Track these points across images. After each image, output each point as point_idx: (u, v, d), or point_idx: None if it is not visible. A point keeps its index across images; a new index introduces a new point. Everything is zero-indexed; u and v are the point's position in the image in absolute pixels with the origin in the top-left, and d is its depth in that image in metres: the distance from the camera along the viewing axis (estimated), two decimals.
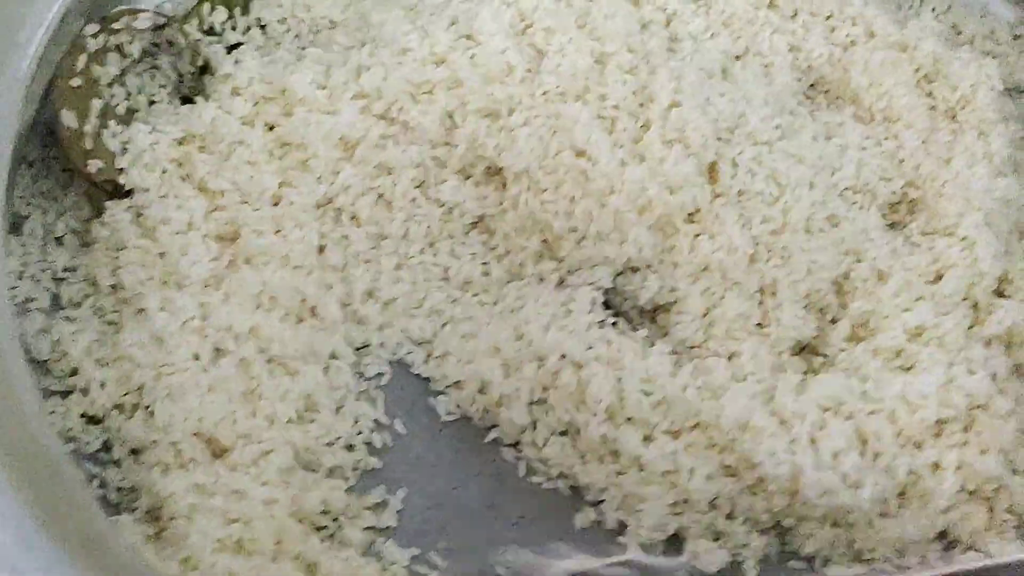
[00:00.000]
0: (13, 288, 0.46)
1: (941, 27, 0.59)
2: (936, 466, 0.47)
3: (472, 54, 0.50)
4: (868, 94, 0.55)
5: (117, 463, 0.44)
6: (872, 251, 0.52)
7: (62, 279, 0.48)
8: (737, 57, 0.55)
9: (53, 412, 0.44)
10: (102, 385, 0.45)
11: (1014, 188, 0.53)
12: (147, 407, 0.44)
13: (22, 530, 0.33)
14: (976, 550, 0.47)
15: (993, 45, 0.59)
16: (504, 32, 0.50)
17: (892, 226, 0.54)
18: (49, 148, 0.49)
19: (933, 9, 0.60)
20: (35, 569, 0.30)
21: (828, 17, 0.57)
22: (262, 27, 0.54)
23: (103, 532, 0.39)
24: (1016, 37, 0.59)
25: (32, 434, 0.40)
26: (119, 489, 0.44)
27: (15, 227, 0.47)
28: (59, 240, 0.48)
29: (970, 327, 0.50)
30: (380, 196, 0.50)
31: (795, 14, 0.57)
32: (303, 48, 0.54)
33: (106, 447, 0.45)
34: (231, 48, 0.52)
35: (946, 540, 0.48)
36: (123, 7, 0.49)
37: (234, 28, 0.52)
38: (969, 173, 0.52)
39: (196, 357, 0.45)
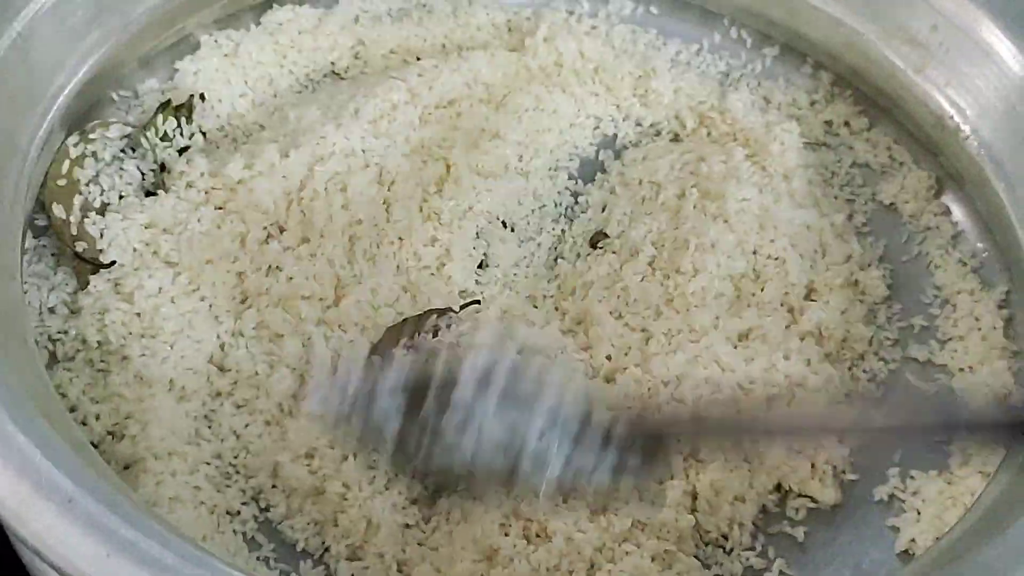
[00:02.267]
0: None
1: (754, 98, 0.74)
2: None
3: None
4: None
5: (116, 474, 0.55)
6: None
7: (57, 339, 0.58)
8: None
9: None
10: (97, 417, 0.56)
11: (813, 216, 0.67)
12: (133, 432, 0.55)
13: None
14: (803, 495, 0.59)
15: (796, 110, 0.73)
16: None
17: None
18: (38, 238, 0.61)
19: (747, 84, 0.75)
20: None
21: None
22: (203, 134, 0.67)
23: None
24: (812, 103, 0.74)
25: None
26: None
27: None
28: (52, 310, 0.59)
29: (787, 327, 0.64)
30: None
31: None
32: (236, 148, 0.67)
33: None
34: (181, 151, 0.65)
35: (780, 491, 0.60)
36: (97, 121, 0.62)
37: (182, 135, 0.65)
38: (776, 208, 0.66)
39: (170, 388, 0.57)
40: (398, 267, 0.62)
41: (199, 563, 0.39)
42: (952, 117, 0.65)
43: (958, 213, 0.68)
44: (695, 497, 0.58)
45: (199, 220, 0.61)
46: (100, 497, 0.40)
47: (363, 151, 0.65)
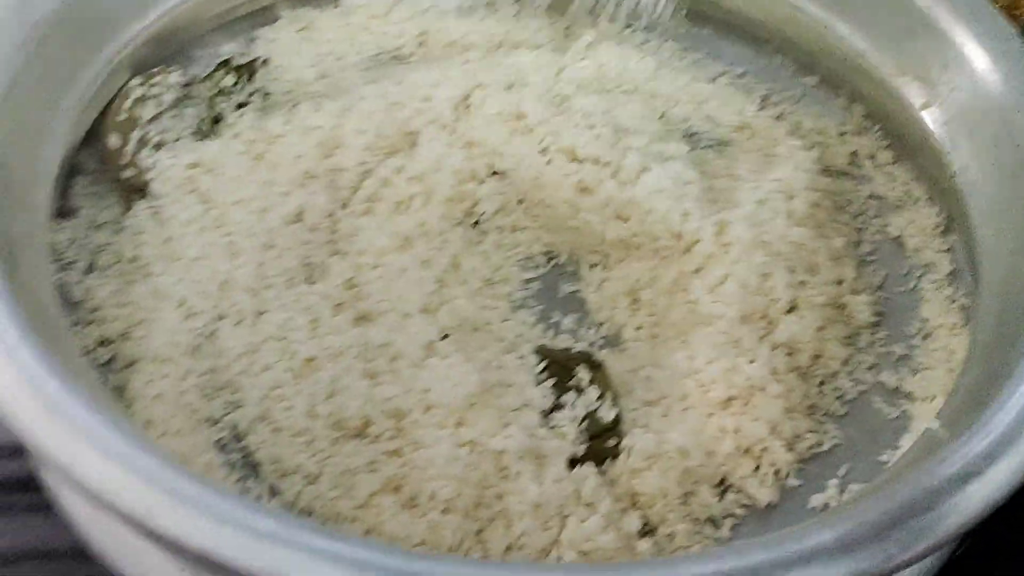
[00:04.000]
0: (62, 253, 0.65)
1: (785, 123, 0.77)
2: (722, 430, 0.63)
3: None
4: None
5: (116, 371, 0.62)
6: None
7: (98, 252, 0.66)
8: None
9: (78, 333, 0.62)
10: (115, 320, 0.64)
11: (809, 236, 0.69)
12: (140, 335, 0.63)
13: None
14: (740, 491, 0.62)
15: (824, 138, 0.75)
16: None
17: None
18: (101, 163, 0.69)
19: (783, 109, 0.78)
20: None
21: None
22: (267, 95, 0.75)
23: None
24: (841, 133, 0.76)
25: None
26: (115, 387, 0.62)
27: (70, 213, 0.67)
28: (99, 226, 0.67)
29: (761, 336, 0.66)
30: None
31: None
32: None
33: (111, 360, 0.63)
34: (240, 106, 0.73)
35: (723, 485, 0.63)
36: (159, 67, 0.71)
37: (241, 91, 0.73)
38: (771, 223, 0.69)
39: (181, 305, 0.64)
40: None
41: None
42: (948, 155, 0.66)
43: (959, 251, 0.69)
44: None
45: (237, 165, 0.68)
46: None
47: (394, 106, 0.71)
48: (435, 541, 0.55)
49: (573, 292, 0.69)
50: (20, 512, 0.64)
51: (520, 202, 0.71)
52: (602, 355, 0.66)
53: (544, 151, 0.70)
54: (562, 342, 0.67)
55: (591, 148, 0.70)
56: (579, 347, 0.66)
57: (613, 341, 0.67)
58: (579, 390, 0.62)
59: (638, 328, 0.67)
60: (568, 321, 0.68)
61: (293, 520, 0.42)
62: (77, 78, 0.65)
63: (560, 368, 0.64)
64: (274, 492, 0.58)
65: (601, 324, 0.68)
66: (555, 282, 0.70)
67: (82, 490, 0.42)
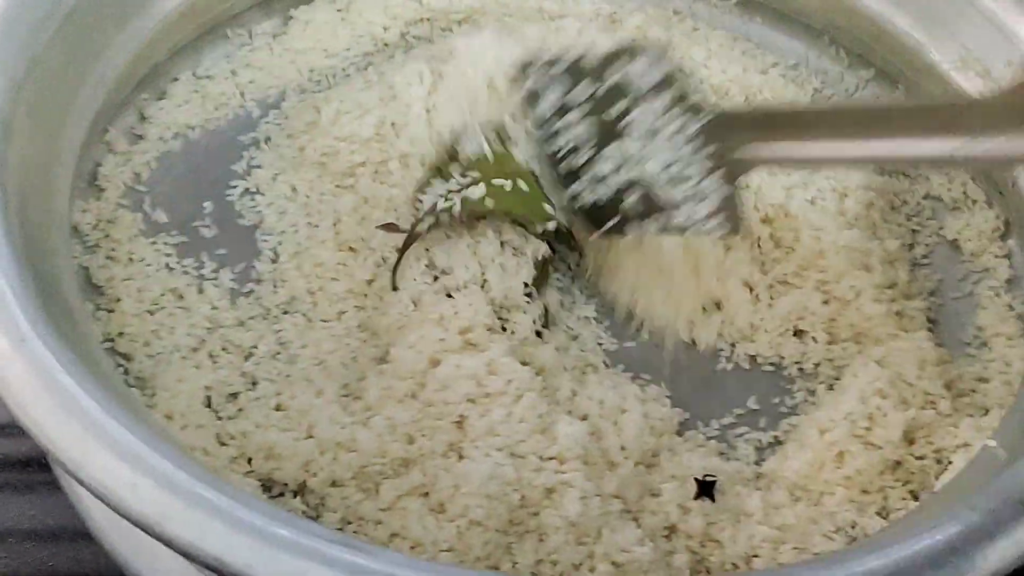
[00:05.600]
0: (87, 234, 0.63)
1: None
2: None
3: None
4: None
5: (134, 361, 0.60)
6: None
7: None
8: None
9: (99, 318, 0.60)
10: (136, 315, 0.61)
11: (862, 238, 0.65)
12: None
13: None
14: None
15: None
16: None
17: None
18: None
19: None
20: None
21: None
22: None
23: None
24: None
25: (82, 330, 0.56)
26: (137, 377, 0.60)
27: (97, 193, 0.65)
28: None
29: None
30: None
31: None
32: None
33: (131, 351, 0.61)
34: None
35: None
36: None
37: None
38: (820, 222, 0.66)
39: (213, 308, 0.62)
40: None
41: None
42: None
43: (1018, 257, 0.66)
44: None
45: None
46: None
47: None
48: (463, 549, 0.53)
49: None
50: (31, 491, 0.63)
51: None
52: None
53: None
54: None
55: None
56: None
57: None
58: None
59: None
60: None
61: (310, 528, 0.40)
62: (105, 53, 0.62)
63: None
64: (296, 494, 0.56)
65: None
66: None
67: (94, 494, 0.40)
